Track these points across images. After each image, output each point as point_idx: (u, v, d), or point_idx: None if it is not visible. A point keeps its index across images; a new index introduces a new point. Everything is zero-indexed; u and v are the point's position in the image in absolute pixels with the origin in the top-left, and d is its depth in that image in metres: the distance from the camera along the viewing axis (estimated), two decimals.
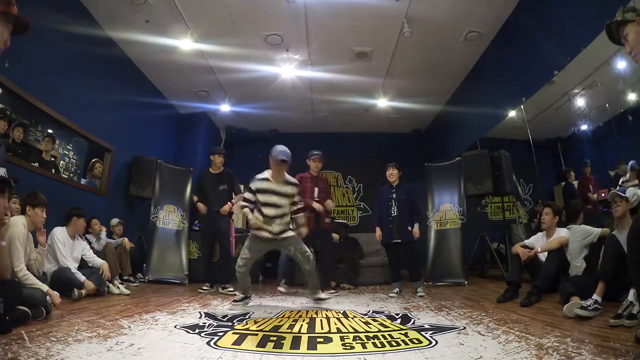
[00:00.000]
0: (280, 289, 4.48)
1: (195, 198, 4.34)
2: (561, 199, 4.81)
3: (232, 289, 3.99)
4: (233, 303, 3.02)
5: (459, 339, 1.82)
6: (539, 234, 3.34)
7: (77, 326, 2.02)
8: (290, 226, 2.98)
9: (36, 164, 3.79)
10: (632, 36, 1.52)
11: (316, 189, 4.19)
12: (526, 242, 3.35)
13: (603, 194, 3.98)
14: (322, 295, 3.08)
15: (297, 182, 2.99)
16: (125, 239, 4.52)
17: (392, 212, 3.92)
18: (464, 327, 2.07)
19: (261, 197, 2.88)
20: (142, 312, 2.58)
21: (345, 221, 5.31)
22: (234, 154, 7.39)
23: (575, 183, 4.77)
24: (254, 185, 2.90)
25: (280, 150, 2.85)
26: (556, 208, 3.28)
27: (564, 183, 4.92)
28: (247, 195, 2.93)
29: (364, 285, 4.85)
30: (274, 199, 2.86)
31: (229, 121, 7.49)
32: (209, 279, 4.20)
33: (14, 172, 2.88)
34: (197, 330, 2.04)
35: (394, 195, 3.97)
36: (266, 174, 2.91)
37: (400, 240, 3.86)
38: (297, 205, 3.01)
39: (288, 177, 2.94)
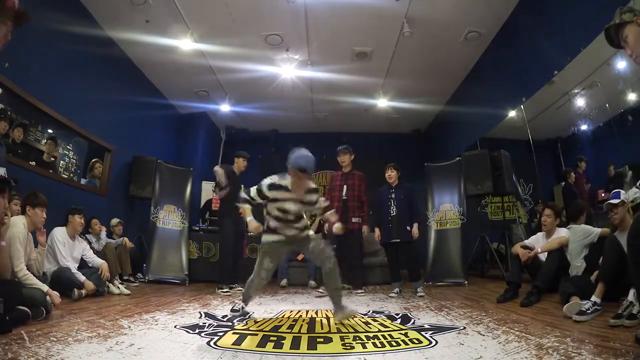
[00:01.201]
0: (282, 283, 4.62)
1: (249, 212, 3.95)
2: (561, 199, 4.80)
3: (241, 289, 4.01)
4: (232, 311, 2.54)
5: (459, 339, 1.81)
6: (539, 234, 3.34)
7: (77, 326, 2.02)
8: (310, 228, 2.59)
9: (33, 163, 3.79)
10: (632, 38, 1.50)
11: (345, 187, 4.12)
12: (526, 242, 3.35)
13: (603, 194, 3.98)
14: (347, 311, 2.40)
15: (316, 188, 2.48)
16: (126, 239, 4.52)
17: (391, 212, 3.92)
18: (464, 327, 2.07)
19: (275, 204, 2.42)
20: (142, 312, 2.58)
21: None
22: (234, 156, 7.38)
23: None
24: (267, 190, 2.38)
25: (299, 155, 2.30)
26: (557, 209, 3.27)
27: (563, 183, 4.92)
28: (253, 194, 2.43)
29: (364, 285, 4.83)
30: (290, 206, 2.40)
31: (229, 121, 7.50)
32: (232, 280, 4.12)
33: (14, 172, 2.88)
34: (197, 330, 2.04)
35: (393, 195, 3.97)
36: (287, 180, 2.36)
37: (399, 240, 3.86)
38: (323, 206, 2.54)
39: (309, 184, 2.42)
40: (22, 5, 1.49)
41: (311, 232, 2.54)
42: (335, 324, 2.28)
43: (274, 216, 2.44)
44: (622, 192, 2.55)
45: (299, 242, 2.51)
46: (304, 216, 2.53)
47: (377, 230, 4.02)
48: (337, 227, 2.54)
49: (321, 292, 3.75)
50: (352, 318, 2.38)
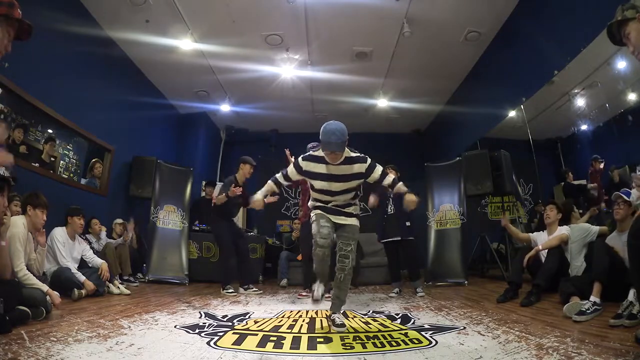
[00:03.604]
0: (282, 283, 4.60)
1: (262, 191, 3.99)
2: (561, 199, 4.80)
3: (255, 289, 4.06)
4: (336, 326, 2.14)
5: (459, 339, 1.81)
6: (541, 231, 3.36)
7: (77, 326, 2.01)
8: (353, 210, 2.34)
9: (36, 164, 3.80)
10: (634, 34, 1.50)
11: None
12: (531, 235, 3.40)
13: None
14: (338, 320, 2.18)
15: (360, 156, 2.23)
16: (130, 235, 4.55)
17: (389, 211, 3.92)
18: (464, 327, 2.07)
19: (313, 182, 2.27)
20: (142, 312, 2.58)
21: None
22: (234, 154, 7.39)
23: (577, 183, 4.74)
24: (301, 161, 2.25)
25: (328, 130, 2.04)
26: (559, 205, 3.30)
27: (563, 183, 4.91)
28: (290, 170, 2.29)
29: (364, 285, 4.84)
30: (324, 183, 2.24)
31: (229, 121, 7.50)
32: (235, 279, 4.10)
33: (14, 171, 2.87)
34: (197, 330, 2.04)
35: (391, 195, 3.95)
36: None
37: (399, 238, 3.85)
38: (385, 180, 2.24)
39: (351, 154, 2.22)
40: (22, 5, 1.49)
41: (351, 221, 2.31)
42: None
43: (314, 196, 2.33)
44: (632, 191, 2.56)
45: (337, 229, 2.30)
46: (350, 200, 2.30)
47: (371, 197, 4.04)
48: (409, 199, 2.22)
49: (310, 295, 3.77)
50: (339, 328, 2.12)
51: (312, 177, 2.27)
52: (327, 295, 2.56)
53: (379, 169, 2.24)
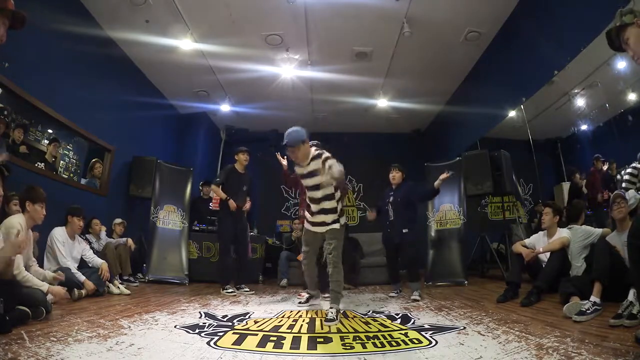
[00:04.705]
0: (282, 283, 4.59)
1: (220, 192, 4.08)
2: (561, 199, 4.80)
3: (248, 289, 4.04)
4: (298, 305, 3.05)
5: (459, 339, 1.81)
6: (540, 233, 3.33)
7: (77, 326, 2.02)
8: (336, 216, 2.69)
9: (42, 165, 3.82)
10: (633, 40, 1.50)
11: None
12: (526, 241, 3.34)
13: (604, 195, 3.96)
14: (330, 314, 2.38)
15: (318, 154, 2.57)
16: (129, 240, 4.52)
17: (390, 217, 3.86)
18: (464, 327, 2.07)
19: (302, 182, 2.75)
20: (142, 312, 2.58)
21: (346, 221, 5.26)
22: (234, 154, 7.38)
23: (583, 182, 4.73)
24: (296, 170, 2.76)
25: (285, 134, 2.53)
26: (556, 207, 3.27)
27: (569, 183, 4.89)
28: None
29: (364, 285, 4.84)
30: (308, 181, 2.66)
31: (229, 121, 7.50)
32: (232, 278, 4.09)
33: (14, 171, 2.87)
34: (197, 330, 2.04)
35: (391, 199, 3.87)
36: None
37: (398, 241, 3.82)
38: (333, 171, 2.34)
39: (313, 153, 2.61)
40: (23, 5, 1.50)
41: (335, 225, 2.67)
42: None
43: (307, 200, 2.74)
44: (627, 192, 2.56)
45: (325, 234, 2.71)
46: (328, 194, 2.62)
47: (371, 212, 4.08)
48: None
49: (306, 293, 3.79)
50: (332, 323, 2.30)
51: (301, 178, 2.72)
52: (324, 295, 2.97)
53: (329, 162, 2.37)
